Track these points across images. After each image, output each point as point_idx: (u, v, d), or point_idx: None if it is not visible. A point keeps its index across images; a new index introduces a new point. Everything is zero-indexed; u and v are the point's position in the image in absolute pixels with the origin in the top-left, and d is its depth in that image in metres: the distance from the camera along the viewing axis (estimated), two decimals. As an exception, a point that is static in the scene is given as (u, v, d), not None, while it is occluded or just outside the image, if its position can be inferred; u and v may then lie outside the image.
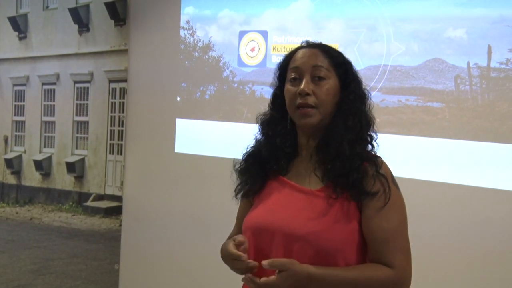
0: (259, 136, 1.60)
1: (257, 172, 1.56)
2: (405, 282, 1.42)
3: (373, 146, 1.50)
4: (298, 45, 1.58)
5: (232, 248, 1.42)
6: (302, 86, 1.46)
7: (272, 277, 1.35)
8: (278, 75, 1.58)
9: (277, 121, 1.55)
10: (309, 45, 1.54)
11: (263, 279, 1.35)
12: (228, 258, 1.44)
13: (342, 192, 1.43)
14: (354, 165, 1.43)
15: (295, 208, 1.46)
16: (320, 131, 1.49)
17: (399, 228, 1.44)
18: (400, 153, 2.79)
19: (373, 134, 1.51)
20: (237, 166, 1.60)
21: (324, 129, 1.49)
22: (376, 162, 1.46)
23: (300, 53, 1.52)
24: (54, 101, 4.30)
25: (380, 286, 1.40)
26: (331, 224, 1.41)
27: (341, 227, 1.41)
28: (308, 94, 1.46)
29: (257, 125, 1.60)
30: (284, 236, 1.43)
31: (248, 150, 1.61)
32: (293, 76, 1.50)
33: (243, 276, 1.44)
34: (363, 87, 1.54)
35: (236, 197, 1.60)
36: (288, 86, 1.51)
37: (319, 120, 1.47)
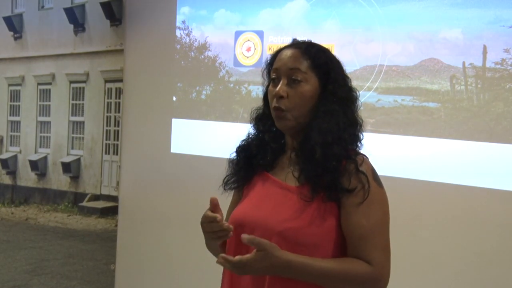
0: (251, 130, 1.62)
1: (245, 165, 1.59)
2: (382, 279, 1.42)
3: (356, 146, 1.50)
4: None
5: (208, 211, 1.45)
6: (277, 89, 1.48)
7: (247, 256, 1.35)
8: (267, 72, 1.59)
9: (267, 117, 1.57)
10: (294, 45, 1.55)
11: (237, 257, 1.35)
12: (204, 221, 1.45)
13: (317, 193, 1.43)
14: (328, 167, 1.43)
15: (274, 204, 1.49)
16: (301, 132, 1.50)
17: (379, 225, 1.44)
18: (396, 153, 2.80)
19: (359, 134, 1.50)
20: (231, 156, 1.64)
21: (304, 130, 1.50)
22: (356, 160, 1.45)
23: (283, 53, 1.53)
24: (49, 101, 4.29)
25: (356, 280, 1.41)
26: (307, 220, 1.42)
27: (318, 224, 1.43)
28: (281, 97, 1.47)
29: (251, 118, 1.63)
30: (262, 231, 1.44)
31: (240, 143, 1.63)
32: (273, 77, 1.52)
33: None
34: (350, 86, 1.53)
35: (224, 188, 1.62)
36: (270, 87, 1.53)
37: (294, 123, 1.49)
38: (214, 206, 1.46)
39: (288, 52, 1.52)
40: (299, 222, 1.43)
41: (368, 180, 1.43)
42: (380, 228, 1.44)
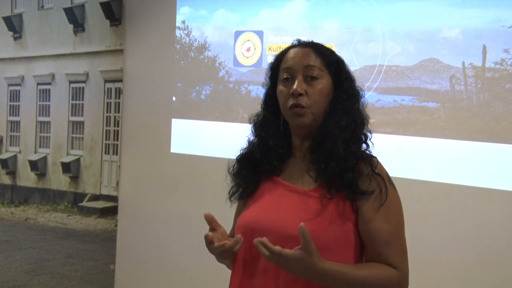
0: (251, 137, 1.58)
1: (250, 174, 1.55)
2: (406, 282, 1.43)
3: (368, 145, 1.49)
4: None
5: (208, 232, 1.44)
6: (294, 87, 1.45)
7: (288, 250, 1.28)
8: (270, 75, 1.56)
9: (270, 122, 1.54)
10: (301, 44, 1.53)
11: (279, 247, 1.28)
12: (207, 244, 1.45)
13: (336, 192, 1.41)
14: (349, 165, 1.41)
15: (288, 208, 1.45)
16: (313, 131, 1.48)
17: (399, 229, 1.44)
18: (396, 153, 2.80)
19: (368, 133, 1.50)
20: (231, 168, 1.59)
21: (317, 129, 1.48)
22: (372, 161, 1.44)
23: (291, 52, 1.51)
24: (49, 101, 4.29)
25: (387, 286, 1.40)
26: (325, 224, 1.39)
27: (336, 228, 1.40)
28: (300, 95, 1.44)
29: (250, 126, 1.59)
30: (276, 236, 1.41)
31: (241, 151, 1.60)
32: (285, 77, 1.49)
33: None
34: (357, 85, 1.53)
35: (230, 200, 1.59)
36: (281, 87, 1.50)
37: (312, 120, 1.46)
38: (211, 222, 1.45)
39: (298, 51, 1.49)
40: (319, 223, 1.39)
41: (384, 183, 1.43)
42: (400, 231, 1.44)
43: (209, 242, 1.43)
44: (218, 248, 1.42)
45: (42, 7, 4.31)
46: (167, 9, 3.67)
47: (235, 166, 1.59)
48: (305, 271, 1.31)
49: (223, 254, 1.45)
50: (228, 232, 1.67)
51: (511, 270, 2.58)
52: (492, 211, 2.61)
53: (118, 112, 3.91)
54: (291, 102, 1.46)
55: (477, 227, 2.64)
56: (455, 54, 2.70)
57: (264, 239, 1.30)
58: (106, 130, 4.01)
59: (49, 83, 4.27)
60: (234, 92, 3.43)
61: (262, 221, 1.46)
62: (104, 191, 4.02)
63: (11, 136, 4.53)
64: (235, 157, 1.61)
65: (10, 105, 4.51)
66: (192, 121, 3.58)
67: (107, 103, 4.00)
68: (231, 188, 1.59)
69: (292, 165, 1.52)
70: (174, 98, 3.67)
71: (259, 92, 3.32)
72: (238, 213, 1.62)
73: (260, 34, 3.30)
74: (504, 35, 2.58)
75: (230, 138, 3.31)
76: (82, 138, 4.11)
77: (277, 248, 1.28)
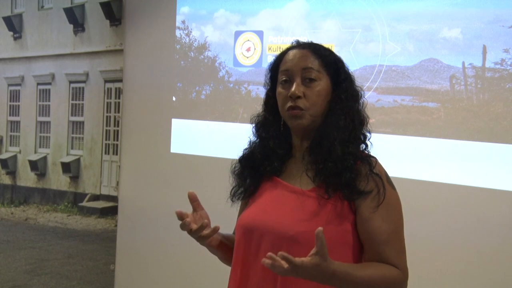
0: (253, 138, 1.59)
1: (251, 174, 1.55)
2: (406, 281, 1.43)
3: (366, 145, 1.49)
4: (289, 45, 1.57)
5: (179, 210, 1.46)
6: (292, 89, 1.45)
7: (306, 260, 1.24)
8: (270, 76, 1.57)
9: (270, 123, 1.55)
10: (299, 46, 1.53)
11: (299, 259, 1.24)
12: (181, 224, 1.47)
13: (334, 192, 1.42)
14: (347, 165, 1.42)
15: (285, 208, 1.45)
16: (312, 132, 1.49)
17: (398, 229, 1.44)
18: (395, 153, 2.80)
19: (367, 133, 1.50)
20: (233, 168, 1.60)
21: (316, 130, 1.48)
22: (370, 161, 1.44)
23: (290, 54, 1.51)
24: (49, 101, 4.29)
25: (391, 285, 1.40)
26: (322, 225, 1.36)
27: (333, 228, 1.40)
28: (299, 97, 1.45)
29: (251, 126, 1.60)
30: (273, 235, 1.42)
31: (242, 152, 1.60)
32: (284, 79, 1.49)
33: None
34: (356, 85, 1.53)
35: (232, 200, 1.60)
36: (280, 89, 1.50)
37: (310, 122, 1.47)
38: (193, 201, 1.49)
39: (296, 53, 1.50)
40: (316, 223, 1.38)
41: (383, 183, 1.43)
42: (399, 231, 1.44)
43: (180, 218, 1.46)
44: (197, 231, 1.45)
45: (42, 7, 4.31)
46: (167, 9, 3.67)
47: (237, 167, 1.59)
48: (317, 274, 1.28)
49: (196, 234, 1.47)
50: (229, 228, 1.68)
51: (511, 270, 2.58)
52: (492, 211, 2.61)
53: (118, 112, 3.91)
54: (289, 104, 1.46)
55: (477, 227, 2.64)
56: (455, 54, 2.71)
57: (286, 254, 1.25)
58: (106, 130, 4.01)
59: (49, 83, 4.27)
60: (234, 92, 3.43)
61: (260, 221, 1.47)
62: (104, 191, 4.03)
63: (11, 136, 4.53)
64: (237, 157, 1.61)
65: (10, 105, 4.52)
66: (192, 121, 3.58)
67: (107, 103, 4.00)
68: (232, 188, 1.60)
69: (292, 166, 1.53)
70: (174, 98, 3.67)
71: (259, 92, 3.33)
72: (240, 212, 1.63)
73: (260, 34, 3.30)
74: (504, 35, 2.58)
75: (230, 138, 3.31)
76: (82, 138, 4.11)
77: (298, 260, 1.24)
